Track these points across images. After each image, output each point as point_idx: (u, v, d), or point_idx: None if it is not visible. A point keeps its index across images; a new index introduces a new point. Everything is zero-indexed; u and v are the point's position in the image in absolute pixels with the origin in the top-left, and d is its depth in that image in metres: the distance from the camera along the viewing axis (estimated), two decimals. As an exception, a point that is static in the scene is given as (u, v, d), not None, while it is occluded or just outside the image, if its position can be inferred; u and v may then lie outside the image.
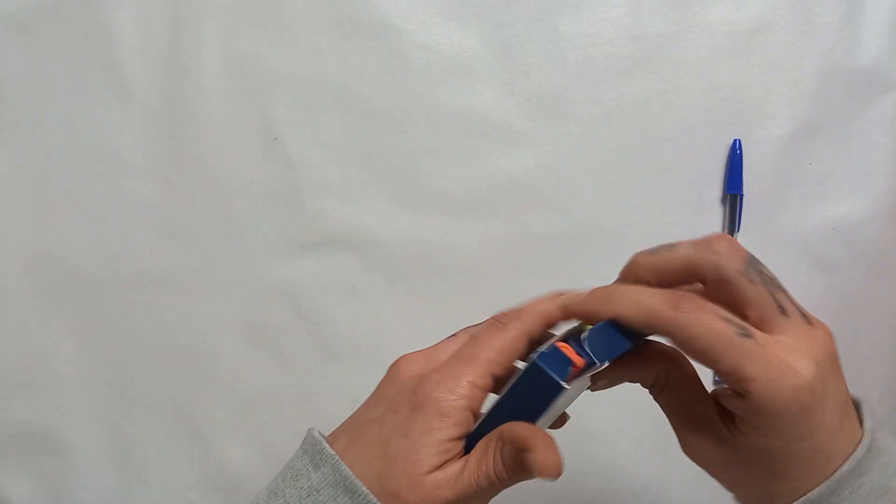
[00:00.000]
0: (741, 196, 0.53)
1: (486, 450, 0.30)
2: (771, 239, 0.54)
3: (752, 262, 0.29)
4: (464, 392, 0.30)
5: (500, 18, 0.54)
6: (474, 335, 0.32)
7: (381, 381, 0.33)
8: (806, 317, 0.29)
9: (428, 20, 0.54)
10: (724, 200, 0.54)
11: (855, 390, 0.55)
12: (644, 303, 0.29)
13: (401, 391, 0.31)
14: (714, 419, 0.31)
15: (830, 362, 0.28)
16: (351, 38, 0.53)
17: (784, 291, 0.29)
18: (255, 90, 0.53)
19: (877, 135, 0.54)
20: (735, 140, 0.54)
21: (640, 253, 0.32)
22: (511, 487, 0.55)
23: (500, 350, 0.31)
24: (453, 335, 0.34)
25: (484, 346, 0.31)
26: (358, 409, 0.33)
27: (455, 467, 0.30)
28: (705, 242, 0.30)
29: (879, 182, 0.54)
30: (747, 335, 0.28)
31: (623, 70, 0.54)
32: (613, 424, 0.54)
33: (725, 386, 0.29)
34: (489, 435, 0.30)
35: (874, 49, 0.54)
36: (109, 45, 0.53)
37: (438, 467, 0.30)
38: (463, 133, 0.54)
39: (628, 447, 0.54)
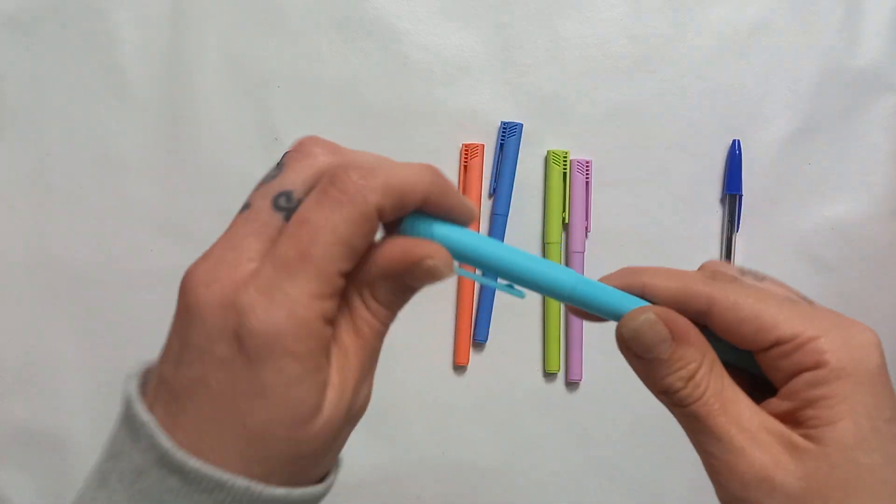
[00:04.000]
0: (740, 196, 0.53)
1: (356, 316, 0.24)
2: (770, 239, 0.54)
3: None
4: (312, 314, 0.22)
5: (500, 18, 0.54)
6: (299, 218, 0.23)
7: (177, 316, 0.24)
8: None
9: (428, 20, 0.54)
10: (723, 200, 0.54)
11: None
12: (678, 275, 0.26)
13: (214, 336, 0.22)
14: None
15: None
16: (351, 38, 0.53)
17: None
18: (255, 90, 0.53)
19: (877, 135, 0.54)
20: (734, 140, 0.54)
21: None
22: (506, 489, 0.55)
23: (345, 240, 0.22)
24: (248, 207, 0.25)
25: (319, 237, 0.22)
26: (161, 362, 0.25)
27: (335, 379, 0.24)
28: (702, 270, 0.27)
29: (879, 182, 0.54)
30: (800, 300, 0.25)
31: (623, 70, 0.54)
32: (613, 424, 0.54)
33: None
34: (345, 303, 0.24)
35: (874, 49, 0.54)
36: (109, 45, 0.53)
37: (322, 400, 0.23)
38: (463, 133, 0.54)
39: (628, 447, 0.54)
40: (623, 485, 0.54)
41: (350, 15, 0.53)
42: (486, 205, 0.54)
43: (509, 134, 0.53)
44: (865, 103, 0.54)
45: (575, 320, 0.53)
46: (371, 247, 0.24)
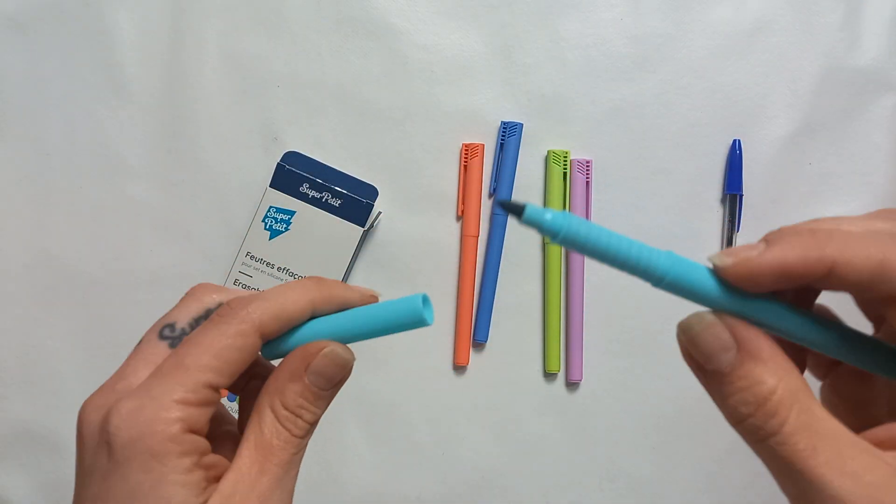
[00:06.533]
0: (741, 196, 0.53)
1: (264, 424, 0.25)
2: (771, 239, 0.54)
3: None
4: (173, 415, 0.23)
5: (500, 18, 0.54)
6: (184, 341, 0.25)
7: (76, 448, 0.25)
8: None
9: (428, 20, 0.54)
10: (723, 200, 0.54)
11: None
12: (877, 244, 0.20)
13: (93, 449, 0.23)
14: None
15: None
16: (351, 38, 0.53)
17: None
18: (255, 90, 0.53)
19: (877, 135, 0.54)
20: (735, 140, 0.54)
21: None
22: (506, 489, 0.55)
23: (217, 353, 0.24)
24: (138, 343, 0.26)
25: (193, 349, 0.24)
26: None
27: (233, 476, 0.24)
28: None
29: (879, 182, 0.54)
30: None
31: (623, 70, 0.54)
32: (613, 424, 0.54)
33: None
34: (254, 412, 0.25)
35: (874, 49, 0.54)
36: (109, 45, 0.53)
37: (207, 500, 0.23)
38: (463, 133, 0.54)
39: (628, 447, 0.54)
40: (623, 485, 0.54)
41: (350, 15, 0.53)
42: (486, 205, 0.54)
43: (509, 134, 0.53)
44: (865, 103, 0.54)
45: (575, 320, 0.53)
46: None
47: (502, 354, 0.54)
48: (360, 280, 0.53)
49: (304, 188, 0.51)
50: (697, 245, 0.54)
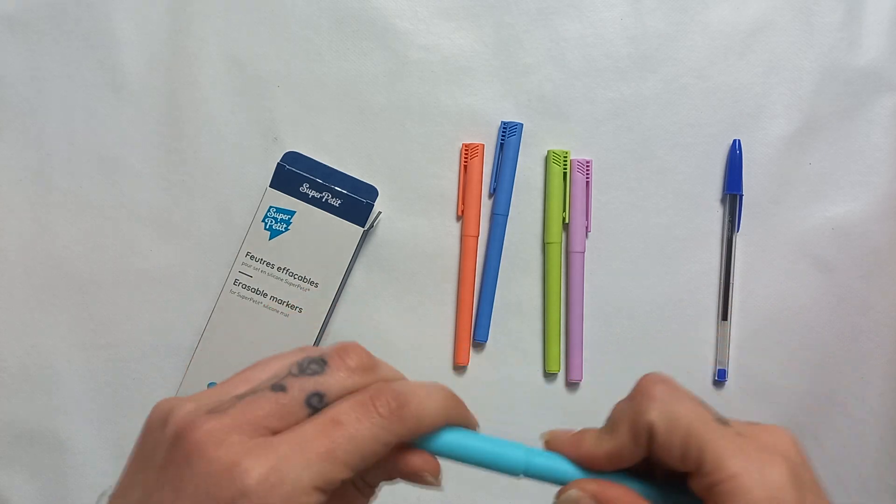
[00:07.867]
0: (741, 196, 0.53)
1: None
2: (770, 239, 0.54)
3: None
4: (308, 500, 0.23)
5: (500, 18, 0.54)
6: (336, 418, 0.25)
7: (171, 462, 0.24)
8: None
9: (428, 20, 0.54)
10: (723, 200, 0.54)
11: (854, 391, 0.55)
12: (611, 433, 0.28)
13: (213, 496, 0.23)
14: None
15: (803, 460, 0.25)
16: (351, 38, 0.53)
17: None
18: (255, 90, 0.53)
19: (877, 135, 0.54)
20: (735, 140, 0.54)
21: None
22: (506, 489, 0.55)
23: (365, 455, 0.25)
24: (282, 389, 0.25)
25: (349, 445, 0.24)
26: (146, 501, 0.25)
27: None
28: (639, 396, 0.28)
29: (879, 182, 0.54)
30: (724, 422, 0.25)
31: (623, 70, 0.54)
32: (613, 424, 0.54)
33: None
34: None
35: (874, 49, 0.54)
36: (109, 45, 0.53)
37: None
38: (463, 133, 0.54)
39: (628, 447, 0.54)
40: (623, 485, 0.54)
41: (350, 14, 0.53)
42: (486, 205, 0.54)
43: (509, 134, 0.53)
44: (865, 103, 0.54)
45: (575, 320, 0.53)
46: None
47: (502, 354, 0.54)
48: (360, 280, 0.53)
49: (304, 188, 0.51)
50: (697, 245, 0.54)
